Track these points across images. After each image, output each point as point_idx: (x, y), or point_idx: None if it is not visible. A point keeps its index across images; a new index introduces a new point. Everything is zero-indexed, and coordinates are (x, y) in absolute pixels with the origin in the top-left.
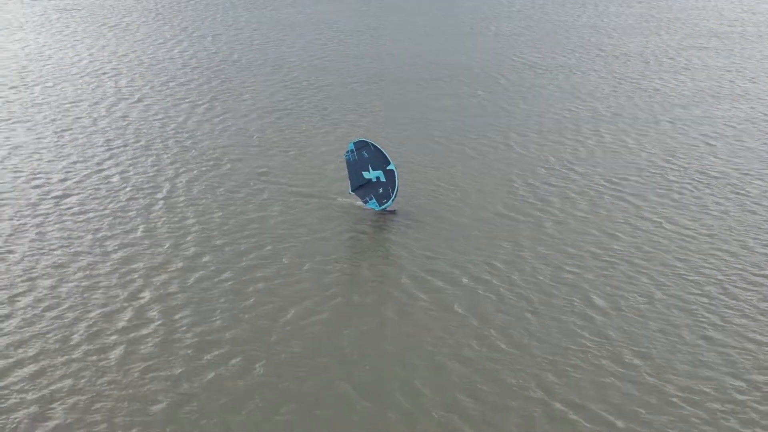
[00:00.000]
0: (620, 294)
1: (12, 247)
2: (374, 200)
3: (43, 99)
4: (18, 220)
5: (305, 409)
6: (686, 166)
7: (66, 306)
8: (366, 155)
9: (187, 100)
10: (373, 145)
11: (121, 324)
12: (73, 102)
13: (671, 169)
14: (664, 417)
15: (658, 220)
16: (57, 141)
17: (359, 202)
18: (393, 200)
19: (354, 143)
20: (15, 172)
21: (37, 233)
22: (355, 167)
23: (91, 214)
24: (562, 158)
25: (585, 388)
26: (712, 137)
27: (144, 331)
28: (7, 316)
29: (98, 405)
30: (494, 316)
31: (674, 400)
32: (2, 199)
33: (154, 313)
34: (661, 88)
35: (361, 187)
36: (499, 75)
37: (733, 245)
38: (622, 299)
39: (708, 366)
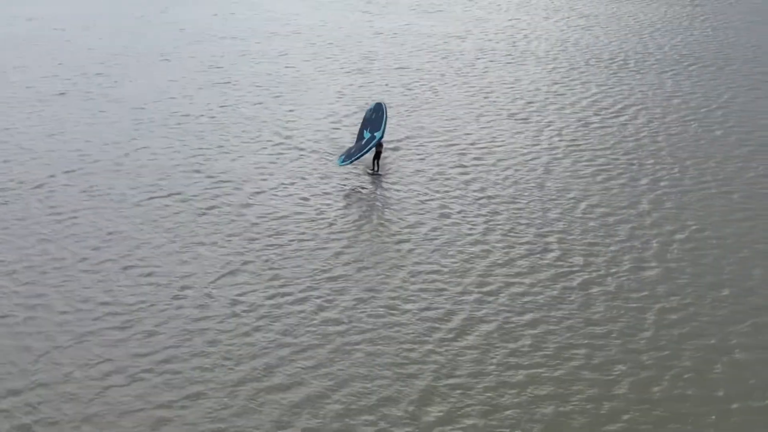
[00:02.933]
0: None
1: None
2: (344, 156)
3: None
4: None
5: None
6: None
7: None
8: (373, 117)
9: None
10: (384, 112)
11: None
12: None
13: None
14: None
15: None
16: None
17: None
18: (351, 161)
19: (376, 103)
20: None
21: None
22: (363, 124)
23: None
24: None
25: None
26: None
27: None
28: None
29: None
30: None
31: None
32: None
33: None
34: None
35: (356, 142)
36: None
37: None
38: None
39: None
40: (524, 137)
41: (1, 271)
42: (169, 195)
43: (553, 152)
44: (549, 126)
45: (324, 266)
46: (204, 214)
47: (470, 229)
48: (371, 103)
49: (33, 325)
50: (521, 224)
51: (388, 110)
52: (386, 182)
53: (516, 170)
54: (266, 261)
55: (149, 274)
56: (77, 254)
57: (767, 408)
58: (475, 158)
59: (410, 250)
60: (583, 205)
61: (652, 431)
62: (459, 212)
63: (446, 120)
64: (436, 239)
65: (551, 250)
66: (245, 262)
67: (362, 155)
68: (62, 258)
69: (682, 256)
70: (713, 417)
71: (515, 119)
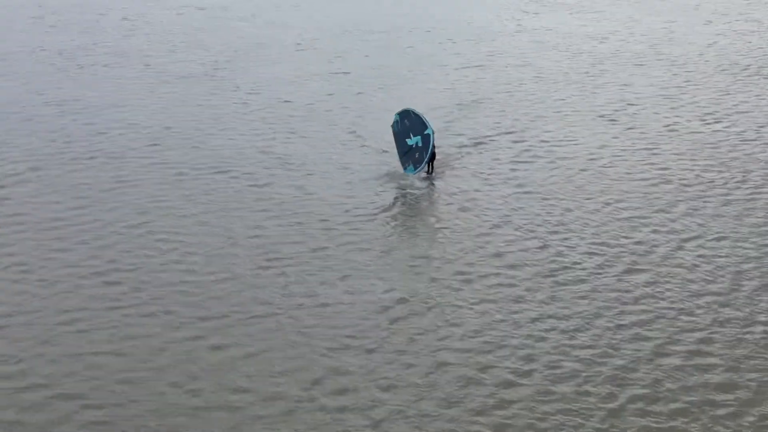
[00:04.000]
0: None
1: None
2: (411, 165)
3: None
4: None
5: None
6: None
7: None
8: (408, 123)
9: None
10: (413, 112)
11: None
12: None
13: None
14: None
15: None
16: None
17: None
18: (425, 164)
19: (398, 113)
20: None
21: None
22: (400, 136)
23: None
24: None
25: None
26: None
27: None
28: None
29: None
30: None
31: None
32: None
33: None
34: None
35: (405, 154)
36: None
37: None
38: None
39: None
40: (600, 138)
41: (45, 226)
42: (223, 171)
43: (619, 152)
44: (633, 128)
45: (321, 246)
46: (242, 190)
47: (484, 222)
48: (394, 116)
49: (40, 271)
50: (529, 221)
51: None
52: (439, 180)
53: (567, 169)
54: (268, 238)
55: (163, 239)
56: (114, 217)
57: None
58: (535, 155)
59: (412, 238)
60: (614, 205)
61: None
62: (484, 206)
63: (530, 116)
64: (448, 229)
65: (553, 246)
66: (255, 234)
67: (429, 156)
68: (100, 219)
69: (681, 264)
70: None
71: (604, 120)
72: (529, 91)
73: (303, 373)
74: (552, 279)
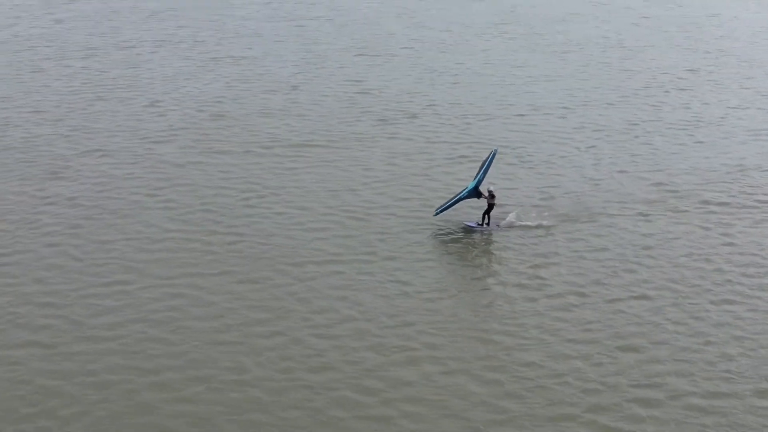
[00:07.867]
0: None
1: None
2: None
3: None
4: None
5: None
6: None
7: None
8: (485, 163)
9: None
10: (491, 157)
11: None
12: None
13: None
14: None
15: None
16: None
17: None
18: (439, 211)
19: (494, 150)
20: None
21: None
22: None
23: None
24: None
25: None
26: None
27: None
28: None
29: None
30: None
31: None
32: None
33: None
34: None
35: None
36: None
37: None
38: None
39: None
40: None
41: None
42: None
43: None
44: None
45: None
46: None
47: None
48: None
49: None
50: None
51: (496, 158)
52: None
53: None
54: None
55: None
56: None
57: None
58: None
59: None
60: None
61: None
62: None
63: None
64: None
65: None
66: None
67: (451, 205)
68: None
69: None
70: None
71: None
72: None
73: None
74: None
